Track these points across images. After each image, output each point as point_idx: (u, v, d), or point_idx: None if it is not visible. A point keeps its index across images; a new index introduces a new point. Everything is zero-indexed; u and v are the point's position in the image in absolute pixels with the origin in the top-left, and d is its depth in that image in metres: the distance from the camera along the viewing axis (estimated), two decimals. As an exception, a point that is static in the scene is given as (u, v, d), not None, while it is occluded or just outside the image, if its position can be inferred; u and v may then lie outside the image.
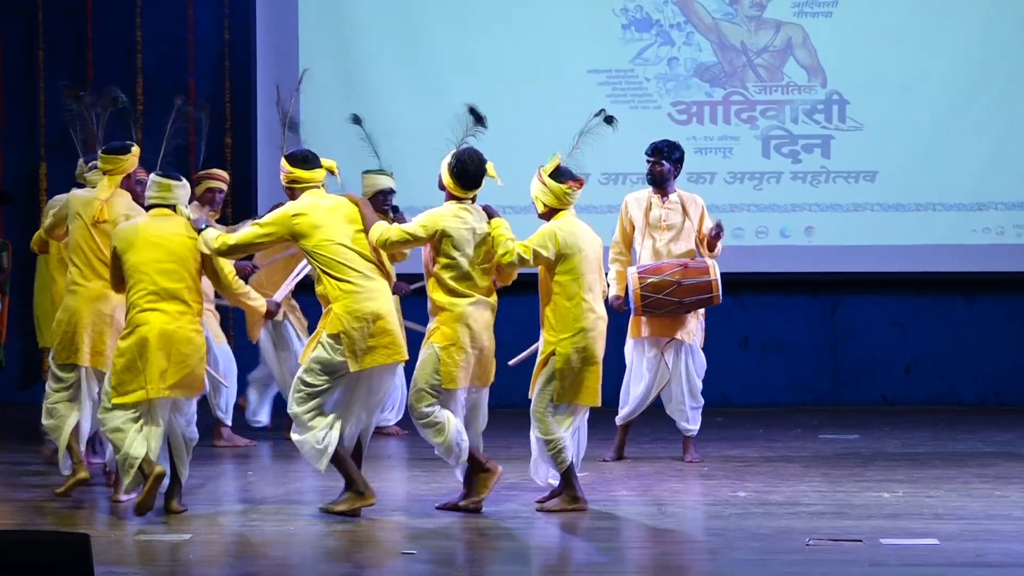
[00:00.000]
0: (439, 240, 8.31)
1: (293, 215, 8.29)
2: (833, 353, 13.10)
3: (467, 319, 8.30)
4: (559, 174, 8.52)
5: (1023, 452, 10.46)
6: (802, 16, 12.83)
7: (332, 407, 8.26)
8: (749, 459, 10.21)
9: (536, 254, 8.35)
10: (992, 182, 12.71)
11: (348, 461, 8.30)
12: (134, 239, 8.41)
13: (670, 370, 9.97)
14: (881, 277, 12.94)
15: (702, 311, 10.01)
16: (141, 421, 8.29)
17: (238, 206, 12.70)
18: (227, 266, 8.56)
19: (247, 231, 8.43)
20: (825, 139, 12.85)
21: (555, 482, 8.62)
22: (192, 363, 8.35)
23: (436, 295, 8.36)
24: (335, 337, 8.15)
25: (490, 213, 8.48)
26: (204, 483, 9.30)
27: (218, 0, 13.11)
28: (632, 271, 9.84)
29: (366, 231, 8.33)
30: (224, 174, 10.76)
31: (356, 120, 10.50)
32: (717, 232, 9.86)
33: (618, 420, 10.19)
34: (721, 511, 8.44)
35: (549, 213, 8.54)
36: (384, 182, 10.69)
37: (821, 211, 12.83)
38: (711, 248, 9.93)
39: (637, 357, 10.06)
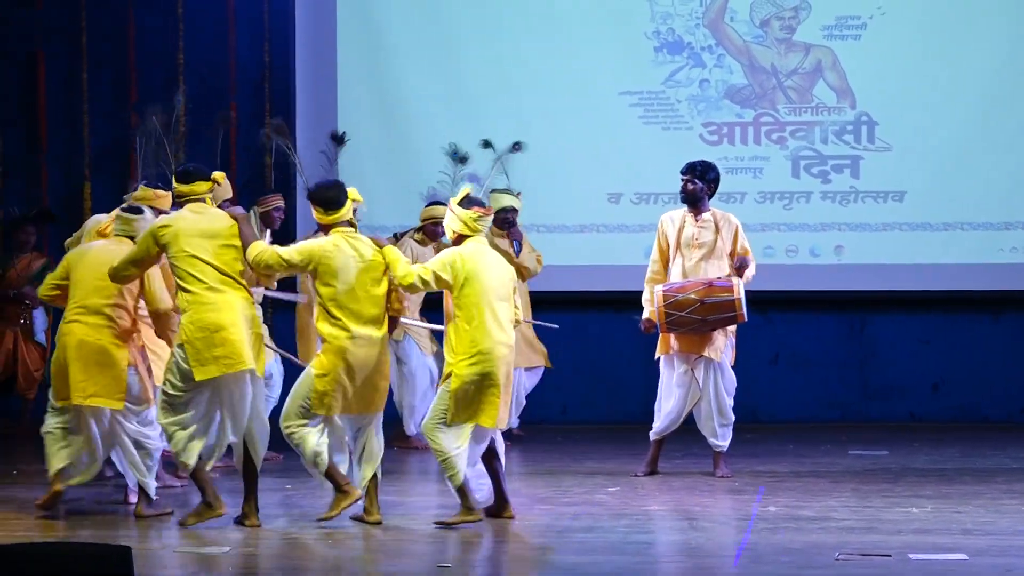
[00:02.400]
0: (315, 269, 8.37)
1: (160, 226, 8.49)
2: (861, 370, 13.14)
3: (345, 353, 8.33)
4: (468, 202, 8.56)
5: (1051, 468, 10.52)
6: (831, 39, 12.91)
7: (192, 420, 8.39)
8: (779, 474, 10.25)
9: (437, 277, 8.38)
10: (1019, 201, 12.73)
11: (203, 473, 8.47)
12: (83, 257, 8.91)
13: (700, 387, 10.09)
14: (909, 295, 12.99)
15: (732, 329, 10.10)
16: (68, 428, 8.77)
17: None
18: (159, 292, 8.79)
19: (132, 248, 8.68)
20: (854, 159, 12.92)
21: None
22: (111, 373, 8.72)
23: (320, 325, 8.44)
24: (181, 347, 8.35)
25: (379, 243, 8.51)
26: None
27: (258, 24, 13.22)
28: (658, 289, 9.91)
29: (244, 248, 8.45)
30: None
31: (487, 144, 11.33)
32: (741, 265, 9.98)
33: (652, 435, 10.26)
34: (751, 526, 8.48)
35: (458, 239, 8.56)
36: (506, 200, 11.33)
37: (850, 230, 12.89)
38: (740, 275, 9.98)
39: (667, 373, 10.12)
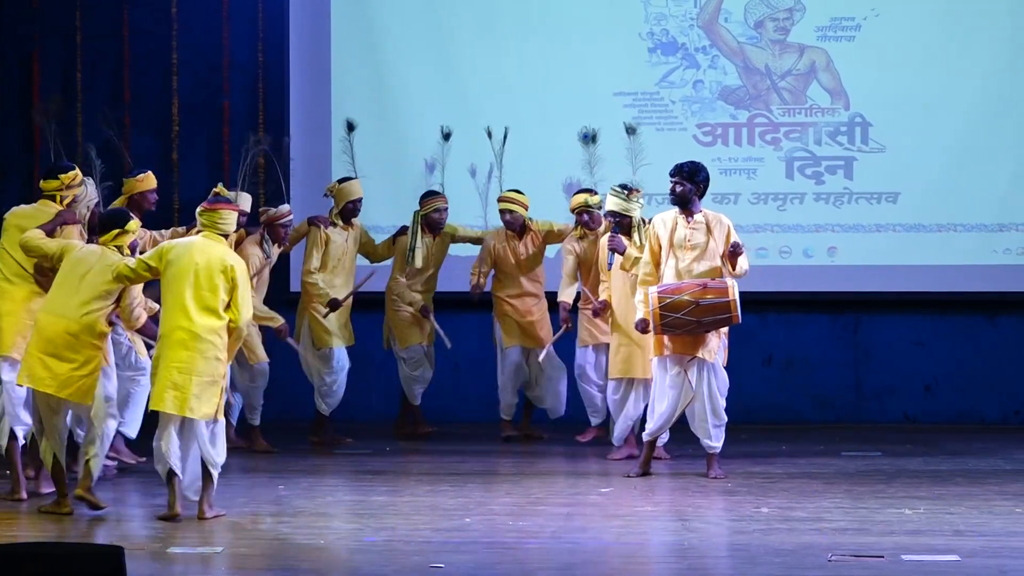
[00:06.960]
0: (60, 258, 8.96)
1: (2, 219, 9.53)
2: (855, 371, 13.14)
3: (38, 323, 8.88)
4: (209, 200, 8.97)
5: (1044, 470, 10.53)
6: (825, 40, 12.91)
7: None
8: (772, 475, 10.26)
9: (145, 264, 8.78)
10: (1014, 203, 12.73)
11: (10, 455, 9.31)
12: None
13: (693, 388, 10.08)
14: (903, 297, 12.99)
15: (725, 330, 10.10)
16: None
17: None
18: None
19: None
20: (848, 161, 12.93)
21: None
22: None
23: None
24: None
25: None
26: (236, 495, 9.43)
27: (252, 24, 13.22)
28: (652, 291, 9.90)
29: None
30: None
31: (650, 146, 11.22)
32: (735, 250, 9.95)
33: (645, 436, 10.27)
34: (744, 527, 8.50)
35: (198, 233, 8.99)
36: (609, 203, 10.81)
37: (844, 231, 12.90)
38: (733, 266, 10.02)
39: (660, 375, 10.11)
